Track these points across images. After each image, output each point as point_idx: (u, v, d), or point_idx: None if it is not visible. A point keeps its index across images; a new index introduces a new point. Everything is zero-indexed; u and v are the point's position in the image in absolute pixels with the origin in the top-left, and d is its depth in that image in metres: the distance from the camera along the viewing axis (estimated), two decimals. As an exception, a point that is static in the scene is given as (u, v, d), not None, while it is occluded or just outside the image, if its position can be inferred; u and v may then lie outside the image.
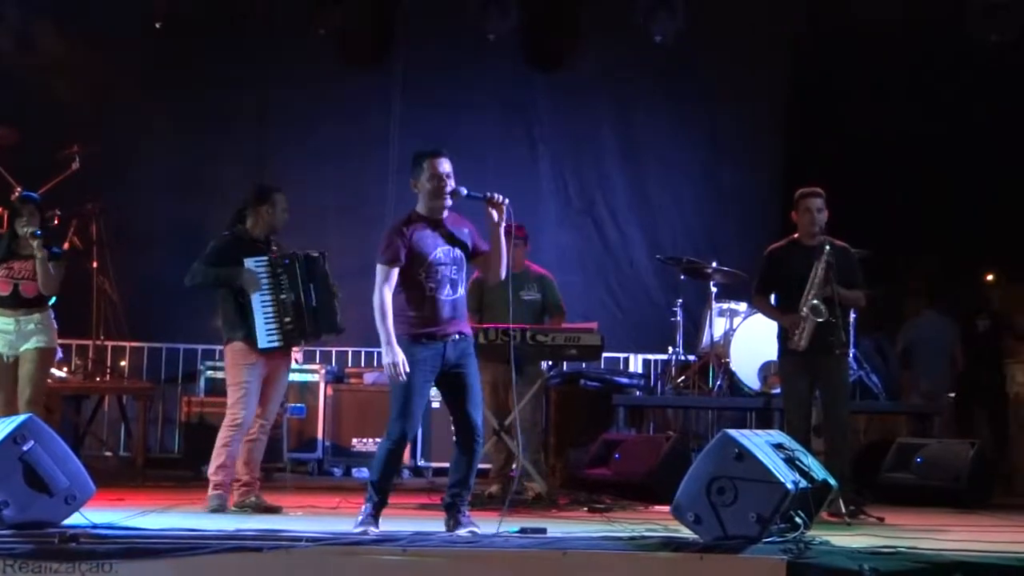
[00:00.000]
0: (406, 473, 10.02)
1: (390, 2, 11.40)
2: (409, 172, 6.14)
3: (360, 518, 5.94)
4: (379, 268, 6.02)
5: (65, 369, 9.46)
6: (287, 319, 7.09)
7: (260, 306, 7.03)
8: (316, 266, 7.23)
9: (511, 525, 5.94)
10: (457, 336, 6.05)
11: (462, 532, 5.82)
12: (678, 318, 10.25)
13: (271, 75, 11.35)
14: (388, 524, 5.93)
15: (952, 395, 10.42)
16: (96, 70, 10.76)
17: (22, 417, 5.55)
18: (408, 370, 5.89)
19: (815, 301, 7.25)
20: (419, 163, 6.06)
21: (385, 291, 5.96)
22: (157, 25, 10.63)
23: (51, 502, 5.37)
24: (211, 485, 7.01)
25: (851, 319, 8.98)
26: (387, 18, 11.43)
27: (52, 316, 7.58)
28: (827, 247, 7.25)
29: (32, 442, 5.37)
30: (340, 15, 10.78)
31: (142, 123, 11.08)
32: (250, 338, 7.03)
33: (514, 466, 8.08)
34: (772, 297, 7.75)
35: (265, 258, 7.13)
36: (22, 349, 7.45)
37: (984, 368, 10.30)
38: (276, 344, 7.08)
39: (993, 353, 10.34)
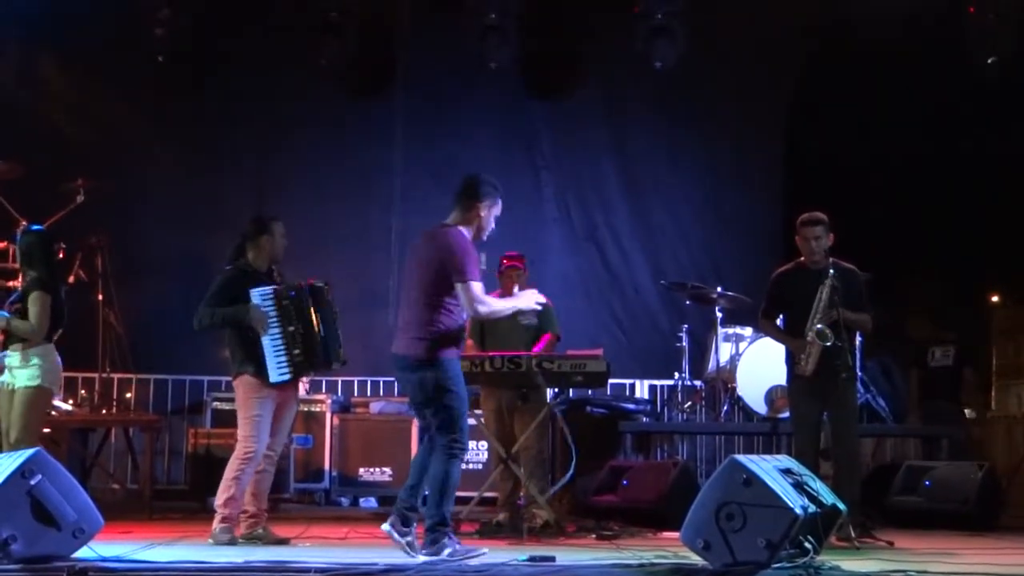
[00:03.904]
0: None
1: (391, 33, 11.45)
2: (478, 194, 6.24)
3: None
4: None
5: (71, 402, 9.44)
6: (296, 351, 7.05)
7: (270, 340, 6.99)
8: (322, 296, 7.21)
9: (520, 553, 5.93)
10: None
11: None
12: (684, 343, 10.25)
13: (273, 107, 11.38)
14: (390, 551, 5.94)
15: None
16: (99, 104, 10.82)
17: (30, 451, 5.54)
18: None
19: (820, 326, 7.25)
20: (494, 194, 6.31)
21: None
22: (160, 59, 10.66)
23: (59, 536, 5.36)
24: (218, 518, 6.93)
25: (857, 342, 8.96)
26: (388, 49, 11.48)
27: (50, 351, 7.21)
28: (831, 271, 7.26)
29: (40, 476, 5.37)
30: (341, 47, 10.80)
31: (145, 156, 11.13)
32: (260, 373, 7.00)
33: (521, 494, 8.06)
34: (779, 320, 7.77)
35: (271, 289, 7.08)
36: (15, 385, 7.16)
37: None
38: (287, 377, 7.05)
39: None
